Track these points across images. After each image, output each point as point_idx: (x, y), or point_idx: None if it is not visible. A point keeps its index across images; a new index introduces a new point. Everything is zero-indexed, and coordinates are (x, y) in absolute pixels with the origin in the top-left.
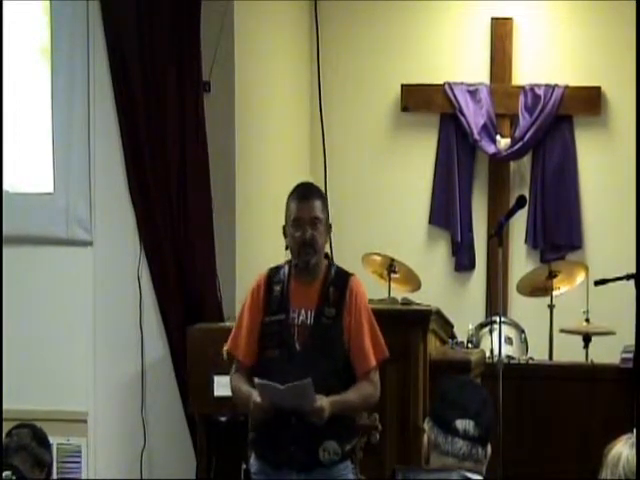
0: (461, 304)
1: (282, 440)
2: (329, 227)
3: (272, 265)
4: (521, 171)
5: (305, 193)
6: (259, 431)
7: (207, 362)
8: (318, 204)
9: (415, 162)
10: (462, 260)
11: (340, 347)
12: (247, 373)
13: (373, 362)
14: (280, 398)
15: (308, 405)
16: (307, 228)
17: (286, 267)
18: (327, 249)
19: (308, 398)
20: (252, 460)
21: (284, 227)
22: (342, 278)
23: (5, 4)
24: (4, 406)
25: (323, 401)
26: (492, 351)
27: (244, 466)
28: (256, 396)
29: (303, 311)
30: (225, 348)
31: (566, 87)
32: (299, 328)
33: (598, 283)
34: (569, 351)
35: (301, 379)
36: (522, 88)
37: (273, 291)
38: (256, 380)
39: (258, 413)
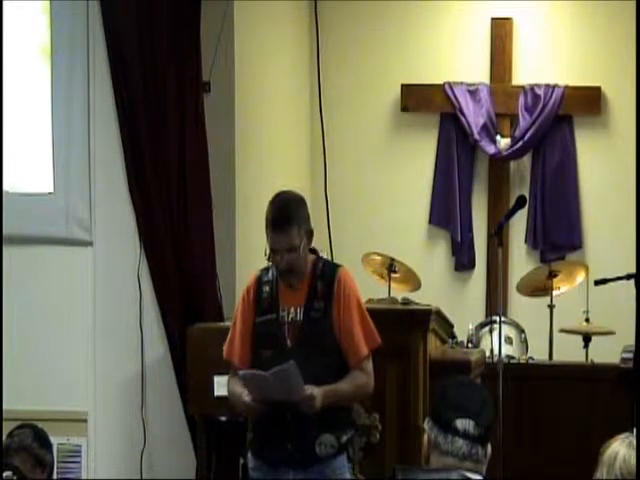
0: (461, 304)
1: (279, 438)
2: (311, 233)
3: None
4: (521, 171)
5: (279, 222)
6: (256, 430)
7: (207, 362)
8: (293, 231)
9: (415, 162)
10: (462, 260)
11: (332, 340)
12: None
13: (365, 351)
14: (266, 387)
15: (297, 394)
16: (284, 256)
17: (274, 268)
18: (327, 249)
19: (295, 384)
20: (249, 456)
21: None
22: (329, 271)
23: (5, 4)
24: (4, 406)
25: (314, 390)
26: (492, 351)
27: (242, 461)
28: (245, 396)
29: (293, 308)
30: (223, 353)
31: (566, 87)
32: (290, 325)
33: (598, 283)
34: (569, 351)
35: None
36: (522, 88)
37: (263, 292)
38: (240, 372)
39: (248, 412)
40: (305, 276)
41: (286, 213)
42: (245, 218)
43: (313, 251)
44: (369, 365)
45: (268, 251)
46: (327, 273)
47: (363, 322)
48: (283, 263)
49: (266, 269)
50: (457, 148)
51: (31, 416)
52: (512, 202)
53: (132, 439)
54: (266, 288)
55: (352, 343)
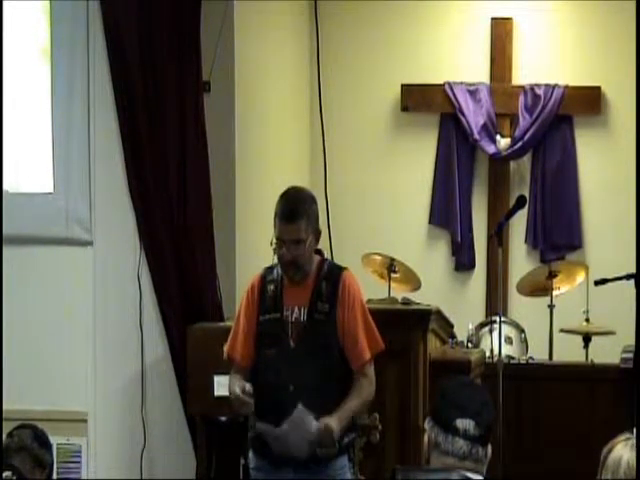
0: (461, 304)
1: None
2: (318, 233)
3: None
4: (521, 171)
5: (289, 213)
6: (257, 428)
7: (207, 362)
8: (302, 224)
9: (415, 162)
10: (462, 260)
11: (334, 342)
12: (245, 374)
13: (368, 355)
14: (286, 440)
15: (314, 433)
16: (290, 248)
17: (279, 267)
18: (327, 249)
19: (309, 424)
20: (251, 455)
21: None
22: (335, 273)
23: (5, 4)
24: (4, 406)
25: (329, 421)
26: (492, 351)
27: (242, 461)
28: (237, 387)
29: (297, 308)
30: (225, 349)
31: (566, 87)
32: (293, 325)
33: (598, 283)
34: (569, 351)
35: (296, 377)
36: (522, 88)
37: (267, 291)
38: (257, 425)
39: (241, 406)
40: (310, 276)
41: (297, 206)
42: (245, 218)
43: (319, 252)
44: (371, 370)
45: (274, 242)
46: (332, 275)
47: (367, 326)
48: (288, 255)
49: (271, 268)
50: (457, 148)
51: (31, 416)
52: (512, 202)
53: (132, 439)
54: (271, 287)
55: (355, 347)
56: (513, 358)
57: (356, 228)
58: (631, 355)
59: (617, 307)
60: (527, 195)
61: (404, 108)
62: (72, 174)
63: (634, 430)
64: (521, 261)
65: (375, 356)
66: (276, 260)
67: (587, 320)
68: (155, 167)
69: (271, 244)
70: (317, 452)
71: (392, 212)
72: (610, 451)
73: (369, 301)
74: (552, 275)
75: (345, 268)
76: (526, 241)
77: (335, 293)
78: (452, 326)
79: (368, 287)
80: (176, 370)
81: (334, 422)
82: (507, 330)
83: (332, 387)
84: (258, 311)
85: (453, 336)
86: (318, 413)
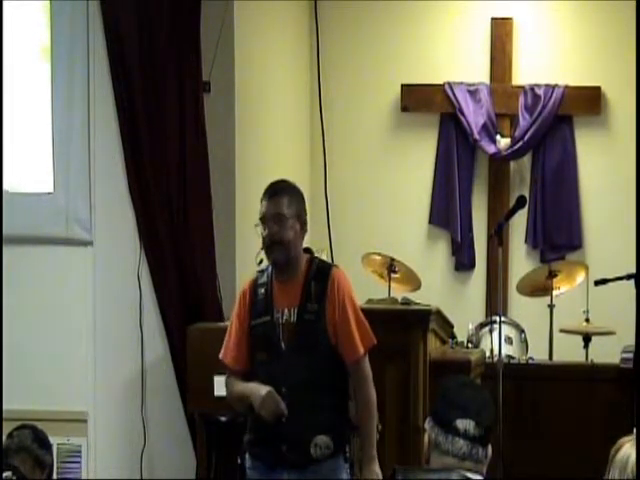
0: (461, 304)
1: (274, 439)
2: (303, 222)
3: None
4: (521, 171)
5: (270, 191)
6: (253, 430)
7: (207, 362)
8: (284, 201)
9: (415, 162)
10: (462, 260)
11: (325, 341)
12: (240, 376)
13: (362, 350)
14: None
15: None
16: (272, 225)
17: (269, 269)
18: (327, 249)
19: None
20: (247, 456)
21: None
22: (324, 271)
23: (5, 4)
24: (4, 406)
25: (370, 474)
26: (492, 351)
27: (239, 461)
28: (260, 390)
29: (287, 310)
30: (220, 356)
31: (566, 87)
32: (284, 327)
33: (598, 283)
34: (569, 351)
35: (288, 378)
36: (522, 88)
37: (258, 294)
38: None
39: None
40: (299, 275)
41: (281, 187)
42: (245, 218)
43: (308, 251)
44: (366, 365)
45: (258, 225)
46: (321, 273)
47: (358, 322)
48: (271, 232)
49: (262, 271)
50: (457, 148)
51: (31, 416)
52: (512, 202)
53: (132, 439)
54: (261, 290)
55: (349, 343)
56: (513, 358)
57: (356, 228)
58: (631, 355)
59: (617, 307)
60: (527, 195)
61: (404, 108)
62: (72, 174)
63: (634, 430)
64: (521, 261)
65: (369, 351)
66: (264, 260)
67: (587, 320)
68: (155, 167)
69: (256, 226)
70: (312, 452)
71: (392, 212)
72: (618, 450)
73: (369, 301)
74: (552, 275)
75: (334, 265)
76: (526, 241)
77: (324, 292)
78: (452, 326)
79: (368, 287)
80: (176, 370)
81: (372, 468)
82: (507, 330)
83: (325, 387)
84: (250, 316)
85: (453, 336)
86: (311, 414)
